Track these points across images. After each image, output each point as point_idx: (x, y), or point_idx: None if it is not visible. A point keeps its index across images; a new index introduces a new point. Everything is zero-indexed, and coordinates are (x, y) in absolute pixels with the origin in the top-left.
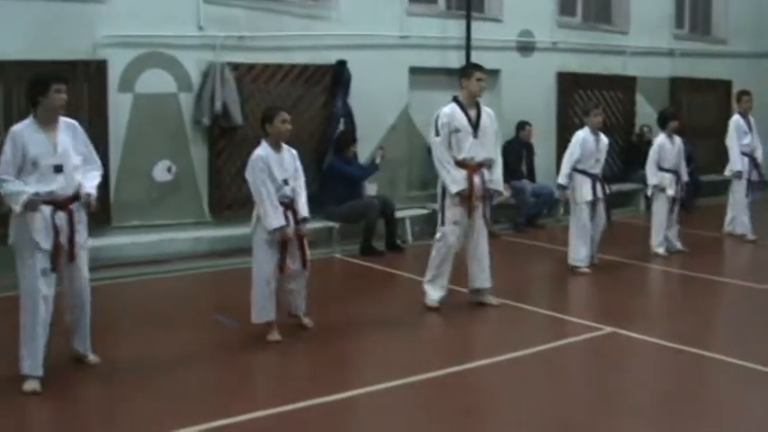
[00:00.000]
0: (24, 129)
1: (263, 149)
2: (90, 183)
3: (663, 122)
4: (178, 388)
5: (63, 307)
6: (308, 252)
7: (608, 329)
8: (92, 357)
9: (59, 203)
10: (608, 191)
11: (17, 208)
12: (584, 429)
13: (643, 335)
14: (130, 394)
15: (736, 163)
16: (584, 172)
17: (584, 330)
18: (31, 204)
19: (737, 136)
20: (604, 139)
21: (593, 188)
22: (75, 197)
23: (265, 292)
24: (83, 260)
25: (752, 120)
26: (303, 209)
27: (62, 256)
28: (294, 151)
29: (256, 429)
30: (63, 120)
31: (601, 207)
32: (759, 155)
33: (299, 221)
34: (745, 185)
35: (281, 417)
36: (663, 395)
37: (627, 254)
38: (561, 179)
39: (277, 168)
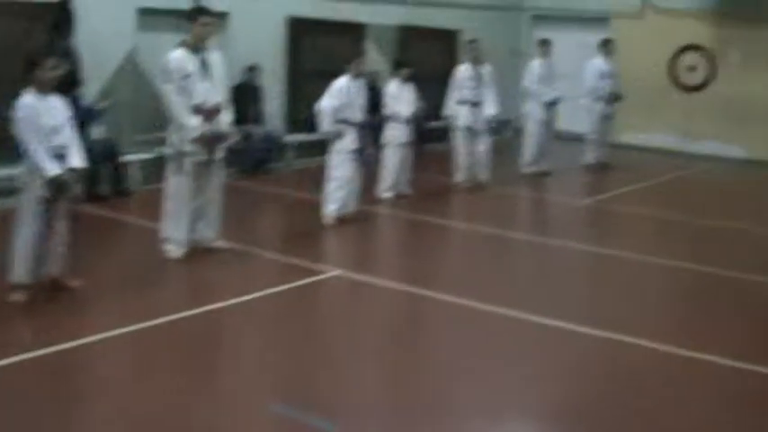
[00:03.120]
0: None
1: (29, 97)
2: None
3: (397, 69)
4: None
5: None
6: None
7: (335, 272)
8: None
9: None
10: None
11: None
12: (316, 368)
13: (368, 276)
14: None
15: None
16: (346, 121)
17: (310, 274)
18: None
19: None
20: (361, 84)
21: (360, 137)
22: None
23: (29, 255)
24: None
25: (486, 67)
26: (75, 158)
27: None
28: (65, 98)
29: None
30: None
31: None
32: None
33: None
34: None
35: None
36: (386, 334)
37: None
38: (328, 125)
39: (46, 116)
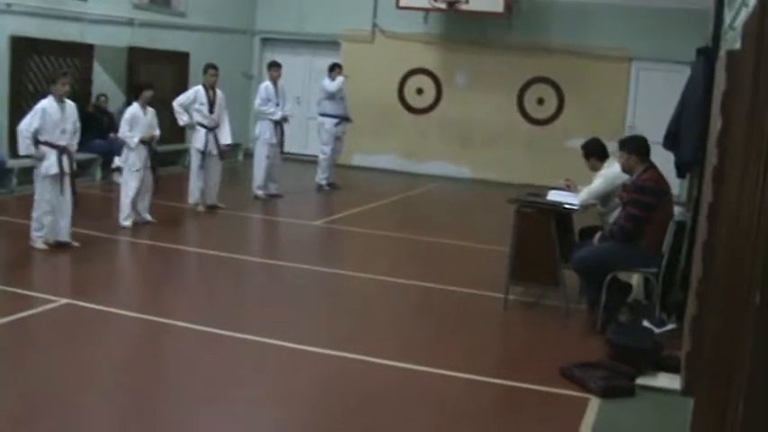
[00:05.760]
0: None
1: None
2: None
3: (137, 92)
4: None
5: None
6: None
7: (63, 301)
8: None
9: None
10: (74, 165)
11: None
12: (49, 406)
13: (99, 305)
14: None
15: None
16: (48, 143)
17: (38, 303)
18: None
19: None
20: (71, 106)
21: (60, 161)
22: None
23: None
24: None
25: (219, 93)
26: None
27: None
28: None
29: None
30: None
31: (67, 181)
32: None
33: None
34: (200, 157)
35: None
36: (121, 363)
37: (93, 226)
38: (26, 147)
39: None
